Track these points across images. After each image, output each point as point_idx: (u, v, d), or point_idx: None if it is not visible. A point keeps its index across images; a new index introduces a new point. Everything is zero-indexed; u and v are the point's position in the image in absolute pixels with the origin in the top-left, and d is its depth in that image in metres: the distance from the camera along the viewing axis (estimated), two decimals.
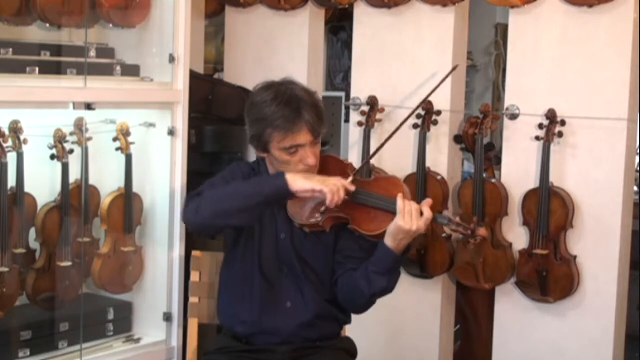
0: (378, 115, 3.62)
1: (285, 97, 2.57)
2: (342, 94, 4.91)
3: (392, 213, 2.52)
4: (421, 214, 2.50)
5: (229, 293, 2.76)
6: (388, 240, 2.53)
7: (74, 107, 3.07)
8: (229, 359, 2.72)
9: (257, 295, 2.69)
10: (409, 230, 2.48)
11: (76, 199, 3.19)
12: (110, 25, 3.34)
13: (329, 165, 2.70)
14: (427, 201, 2.55)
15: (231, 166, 2.80)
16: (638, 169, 4.20)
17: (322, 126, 2.60)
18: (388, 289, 2.61)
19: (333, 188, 2.48)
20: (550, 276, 3.36)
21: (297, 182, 2.49)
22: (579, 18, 3.28)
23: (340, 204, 2.53)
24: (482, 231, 2.57)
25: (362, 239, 2.64)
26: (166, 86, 3.34)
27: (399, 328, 3.74)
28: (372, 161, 3.54)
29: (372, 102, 3.61)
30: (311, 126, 2.55)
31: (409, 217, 2.48)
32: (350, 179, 2.55)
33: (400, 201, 2.51)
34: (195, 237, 3.37)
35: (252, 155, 4.07)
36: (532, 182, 3.39)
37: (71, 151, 3.13)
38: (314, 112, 2.56)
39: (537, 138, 3.34)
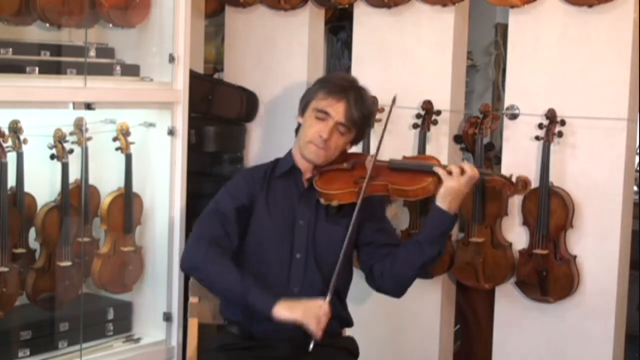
0: (378, 115, 3.61)
1: (352, 79, 2.83)
2: None
3: (431, 173, 2.66)
4: (463, 171, 2.64)
5: None
6: (440, 203, 2.65)
7: (74, 107, 3.07)
8: (229, 357, 2.72)
9: (266, 280, 2.70)
10: (458, 189, 2.63)
11: (76, 199, 3.19)
12: (110, 25, 3.34)
13: (350, 157, 2.83)
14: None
15: (237, 179, 2.86)
16: (638, 169, 4.20)
17: (357, 122, 2.74)
18: (439, 255, 2.73)
19: (314, 320, 2.53)
20: (550, 276, 3.36)
21: (281, 312, 2.55)
22: (579, 18, 3.28)
23: (377, 173, 2.70)
24: (523, 176, 2.72)
25: (386, 226, 2.83)
26: (166, 86, 3.34)
27: (399, 328, 3.74)
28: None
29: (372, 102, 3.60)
30: (348, 108, 2.71)
31: (455, 177, 2.63)
32: (328, 299, 2.59)
33: (439, 166, 2.66)
34: None
35: (252, 155, 4.07)
36: (532, 182, 3.38)
37: (71, 151, 3.13)
38: (360, 106, 2.73)
39: (537, 138, 3.34)
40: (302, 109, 2.79)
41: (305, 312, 2.55)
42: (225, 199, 2.77)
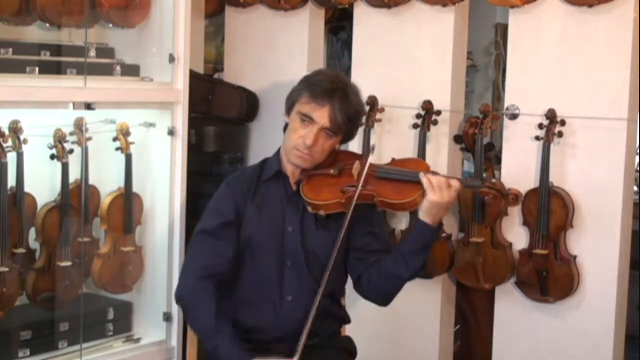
0: (378, 115, 3.62)
1: (337, 80, 2.70)
2: None
3: (418, 183, 2.58)
4: (449, 185, 2.57)
5: (230, 289, 2.77)
6: (424, 217, 2.60)
7: (74, 107, 3.07)
8: None
9: (258, 289, 2.70)
10: (441, 203, 2.56)
11: (76, 199, 3.19)
12: (110, 25, 3.34)
13: (343, 157, 2.77)
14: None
15: (222, 191, 2.78)
16: (638, 169, 4.20)
17: (342, 125, 2.65)
18: (424, 267, 2.67)
19: None
20: (550, 276, 3.36)
21: None
22: (579, 18, 3.28)
23: (365, 181, 2.61)
24: (514, 190, 2.67)
25: (376, 230, 2.75)
26: (166, 86, 3.34)
27: (399, 328, 3.74)
28: (373, 161, 3.53)
29: (372, 102, 3.60)
30: (333, 113, 2.62)
31: (439, 191, 2.55)
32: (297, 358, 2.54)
33: (424, 178, 2.57)
34: None
35: (252, 155, 4.08)
36: (532, 182, 3.39)
37: (71, 151, 3.13)
38: (345, 109, 2.64)
39: (537, 138, 3.34)
40: (288, 109, 2.73)
41: None
42: (211, 217, 2.72)
